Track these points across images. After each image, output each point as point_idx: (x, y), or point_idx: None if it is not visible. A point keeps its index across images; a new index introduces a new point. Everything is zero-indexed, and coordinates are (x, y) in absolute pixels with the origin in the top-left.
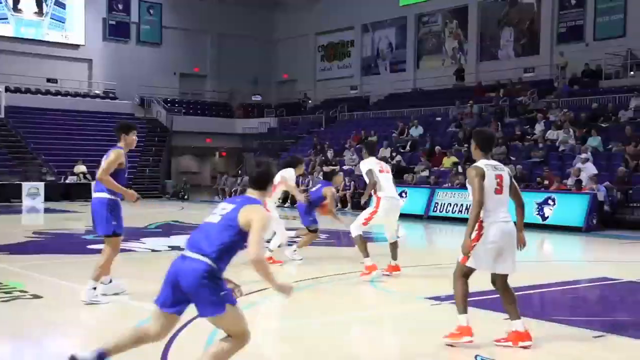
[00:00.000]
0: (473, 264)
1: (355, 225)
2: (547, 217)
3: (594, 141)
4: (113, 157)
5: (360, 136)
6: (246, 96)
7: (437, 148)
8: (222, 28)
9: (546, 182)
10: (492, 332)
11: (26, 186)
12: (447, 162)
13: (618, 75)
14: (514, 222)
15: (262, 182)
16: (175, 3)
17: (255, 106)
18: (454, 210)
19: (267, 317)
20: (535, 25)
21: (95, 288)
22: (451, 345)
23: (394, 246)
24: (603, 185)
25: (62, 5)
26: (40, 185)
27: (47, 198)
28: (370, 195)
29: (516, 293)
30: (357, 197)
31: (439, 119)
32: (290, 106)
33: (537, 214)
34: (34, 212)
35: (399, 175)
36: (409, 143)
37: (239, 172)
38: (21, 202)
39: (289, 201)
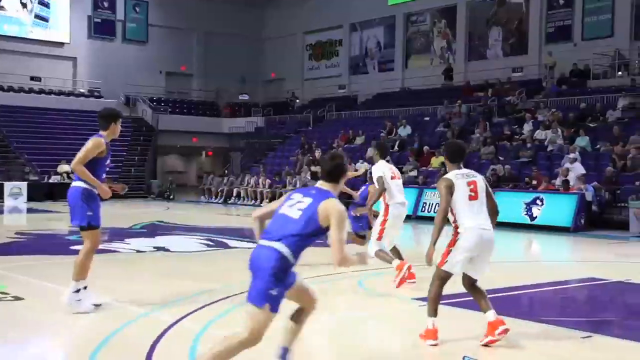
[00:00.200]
0: (449, 269)
1: (372, 245)
2: (536, 217)
3: (582, 141)
4: (91, 145)
5: (348, 136)
6: (233, 95)
7: (426, 148)
8: (209, 26)
9: (534, 182)
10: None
11: (8, 186)
12: (436, 162)
13: (606, 75)
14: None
15: (336, 175)
16: (162, 1)
17: (242, 105)
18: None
19: None
20: (523, 25)
21: (78, 290)
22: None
23: (395, 250)
24: (591, 185)
25: (47, 4)
26: (23, 185)
27: (30, 198)
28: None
29: (504, 294)
30: (345, 198)
31: (427, 118)
32: (277, 105)
33: (526, 214)
34: (17, 212)
35: None
36: (397, 143)
37: (226, 171)
38: (3, 202)
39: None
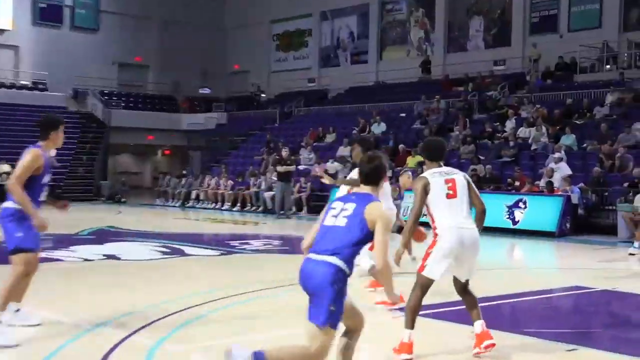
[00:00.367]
0: (429, 274)
1: (366, 257)
2: (518, 221)
3: (568, 139)
4: (29, 159)
5: (318, 133)
6: (193, 89)
7: (401, 146)
8: (166, 14)
9: (517, 183)
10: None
11: None
12: (412, 161)
13: (593, 69)
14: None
15: (376, 177)
16: None
17: (203, 100)
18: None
19: (216, 333)
20: (506, 14)
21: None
22: None
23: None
24: (577, 187)
25: None
26: None
27: None
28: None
29: (486, 303)
30: (314, 200)
31: (403, 114)
32: (241, 100)
33: (508, 218)
34: None
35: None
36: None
37: (184, 172)
38: None
39: (239, 204)
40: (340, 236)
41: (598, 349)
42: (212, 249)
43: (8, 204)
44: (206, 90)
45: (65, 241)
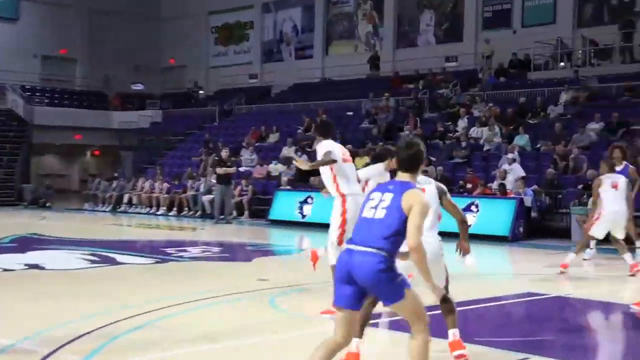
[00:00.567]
0: None
1: (331, 252)
2: (470, 225)
3: (522, 140)
4: None
5: (260, 132)
6: (125, 84)
7: (348, 146)
8: (95, 3)
9: (469, 185)
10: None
11: None
12: (360, 162)
13: (547, 67)
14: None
15: (414, 164)
16: None
17: (136, 96)
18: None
19: (143, 349)
20: (458, 8)
21: None
22: None
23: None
24: (531, 189)
25: None
26: None
27: None
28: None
29: (438, 312)
30: (255, 205)
31: (350, 113)
32: (178, 97)
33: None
34: None
35: (304, 178)
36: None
37: (115, 174)
38: None
39: (175, 209)
40: (379, 229)
41: (550, 357)
42: (146, 256)
43: None
44: (139, 86)
45: None
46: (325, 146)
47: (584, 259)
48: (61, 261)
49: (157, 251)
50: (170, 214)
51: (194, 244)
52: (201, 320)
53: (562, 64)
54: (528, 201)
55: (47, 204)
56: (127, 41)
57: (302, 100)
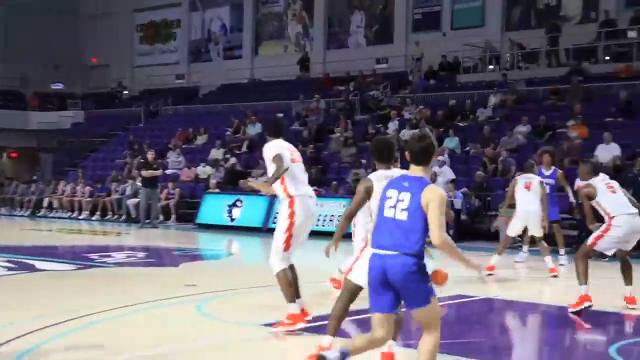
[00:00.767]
0: (354, 279)
1: (276, 258)
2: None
3: (452, 142)
4: None
5: (187, 134)
6: (44, 83)
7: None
8: None
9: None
10: None
11: None
12: None
13: (476, 69)
14: None
15: (427, 156)
16: None
17: (56, 96)
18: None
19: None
20: (388, 10)
21: None
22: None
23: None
24: (460, 192)
25: None
26: None
27: None
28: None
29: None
30: (183, 208)
31: (280, 114)
32: (101, 97)
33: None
34: None
35: (233, 181)
36: (245, 143)
37: (34, 177)
38: None
39: (98, 213)
40: (404, 232)
41: (478, 358)
42: (67, 262)
43: None
44: (59, 86)
45: None
46: (273, 148)
47: (516, 262)
48: None
49: (79, 257)
50: (93, 218)
51: (118, 249)
52: (125, 327)
53: (490, 67)
54: (458, 204)
55: None
56: (46, 38)
57: (230, 101)
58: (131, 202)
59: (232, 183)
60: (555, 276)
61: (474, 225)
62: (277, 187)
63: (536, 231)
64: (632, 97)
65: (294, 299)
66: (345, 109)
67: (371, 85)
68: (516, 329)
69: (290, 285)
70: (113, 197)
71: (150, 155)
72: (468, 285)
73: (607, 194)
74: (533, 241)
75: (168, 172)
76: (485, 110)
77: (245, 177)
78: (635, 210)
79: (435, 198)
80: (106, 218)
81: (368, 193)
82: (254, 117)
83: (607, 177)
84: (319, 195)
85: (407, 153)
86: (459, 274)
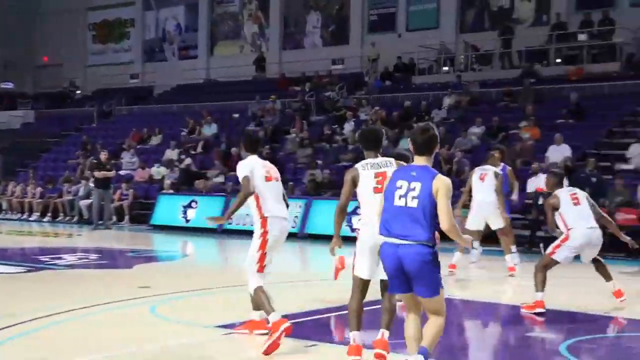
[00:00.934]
0: (357, 272)
1: (251, 277)
2: (357, 229)
3: (407, 143)
4: None
5: (141, 134)
6: None
7: (234, 149)
8: None
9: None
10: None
11: None
12: None
13: (431, 71)
14: None
15: (432, 146)
16: None
17: (6, 95)
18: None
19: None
20: (344, 11)
21: None
22: None
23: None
24: None
25: None
26: None
27: None
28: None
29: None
30: (137, 209)
31: (236, 115)
32: (52, 96)
33: (347, 226)
34: None
35: (189, 182)
36: (200, 143)
37: None
38: None
39: (49, 214)
40: (416, 220)
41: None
42: (16, 265)
43: None
44: (9, 85)
45: None
46: (243, 168)
47: (472, 262)
48: None
49: (29, 259)
50: (44, 219)
51: (70, 251)
52: (78, 331)
53: (445, 68)
54: None
55: None
56: None
57: (185, 101)
58: (83, 203)
59: (187, 184)
60: (511, 275)
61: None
62: (251, 205)
63: (497, 223)
64: (582, 100)
65: (272, 310)
66: (301, 110)
67: (327, 85)
68: (470, 328)
69: (268, 301)
70: (65, 198)
71: (103, 155)
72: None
73: (571, 206)
74: (485, 238)
75: (122, 172)
76: (439, 111)
77: (200, 177)
78: (594, 224)
79: (443, 186)
80: (58, 219)
81: (354, 181)
82: (210, 117)
83: (573, 188)
84: None
85: (410, 144)
86: None
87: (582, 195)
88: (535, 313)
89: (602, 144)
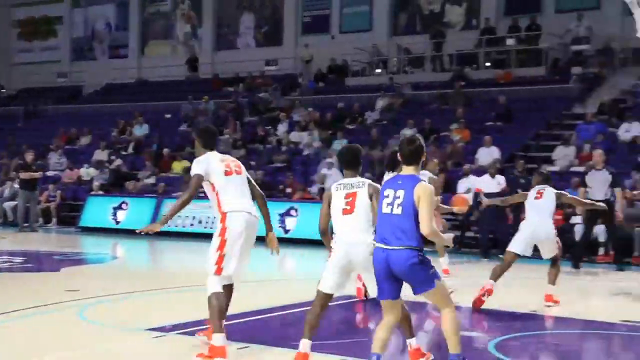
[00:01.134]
0: (322, 287)
1: (209, 280)
2: (290, 230)
3: (340, 144)
4: None
5: (70, 135)
6: None
7: (166, 150)
8: None
9: (289, 190)
10: None
11: None
12: (178, 166)
13: (364, 73)
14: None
15: (417, 157)
16: None
17: None
18: (185, 224)
19: None
20: (278, 12)
21: None
22: None
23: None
24: None
25: None
26: None
27: None
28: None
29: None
30: (65, 211)
31: (168, 115)
32: None
33: (280, 227)
34: None
35: (119, 183)
36: (131, 144)
37: None
38: None
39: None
40: (401, 225)
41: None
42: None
43: None
44: None
45: None
46: (196, 166)
47: None
48: None
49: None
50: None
51: None
52: (3, 337)
53: (378, 70)
54: None
55: None
56: None
57: (116, 101)
58: (8, 205)
59: (118, 185)
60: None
61: None
62: (212, 203)
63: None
64: (510, 103)
65: (220, 329)
66: (235, 111)
67: (261, 87)
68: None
69: (220, 314)
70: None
71: (29, 156)
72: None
73: (532, 200)
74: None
75: (49, 173)
76: (372, 113)
77: (131, 179)
78: (545, 218)
79: (424, 193)
80: None
81: (328, 202)
82: (141, 117)
83: (543, 186)
84: (205, 197)
85: (399, 155)
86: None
87: (548, 191)
88: (483, 296)
89: (529, 146)
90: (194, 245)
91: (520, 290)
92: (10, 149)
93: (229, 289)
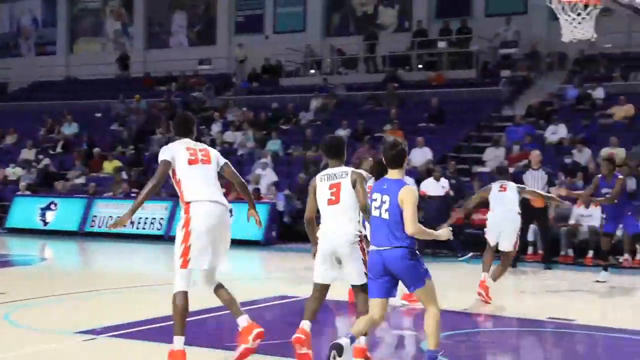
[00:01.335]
0: (315, 278)
1: (176, 276)
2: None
3: (274, 145)
4: None
5: None
6: None
7: (96, 150)
8: None
9: (223, 190)
10: None
11: None
12: (109, 166)
13: (298, 73)
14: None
15: (400, 161)
16: None
17: None
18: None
19: None
20: (211, 11)
21: None
22: None
23: (225, 294)
24: (283, 194)
25: None
26: None
27: None
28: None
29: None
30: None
31: (98, 114)
32: None
33: None
34: None
35: (47, 183)
36: (60, 143)
37: None
38: None
39: None
40: (389, 228)
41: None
42: None
43: None
44: None
45: None
46: (163, 152)
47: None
48: None
49: None
50: None
51: None
52: None
53: (312, 71)
54: (280, 206)
55: None
56: None
57: (43, 99)
58: None
59: (46, 185)
60: None
61: (296, 227)
62: (179, 195)
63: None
64: (442, 104)
65: (181, 331)
66: (167, 110)
67: (194, 86)
68: (338, 328)
69: (183, 315)
70: None
71: None
72: (292, 285)
73: (497, 193)
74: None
75: None
76: (307, 113)
77: (60, 178)
78: (511, 209)
79: (407, 197)
80: None
81: (313, 192)
82: (70, 116)
83: (505, 182)
84: (132, 198)
85: (383, 159)
86: (285, 275)
87: (510, 185)
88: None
89: (461, 147)
90: (124, 246)
91: (453, 290)
92: None
93: (220, 287)
